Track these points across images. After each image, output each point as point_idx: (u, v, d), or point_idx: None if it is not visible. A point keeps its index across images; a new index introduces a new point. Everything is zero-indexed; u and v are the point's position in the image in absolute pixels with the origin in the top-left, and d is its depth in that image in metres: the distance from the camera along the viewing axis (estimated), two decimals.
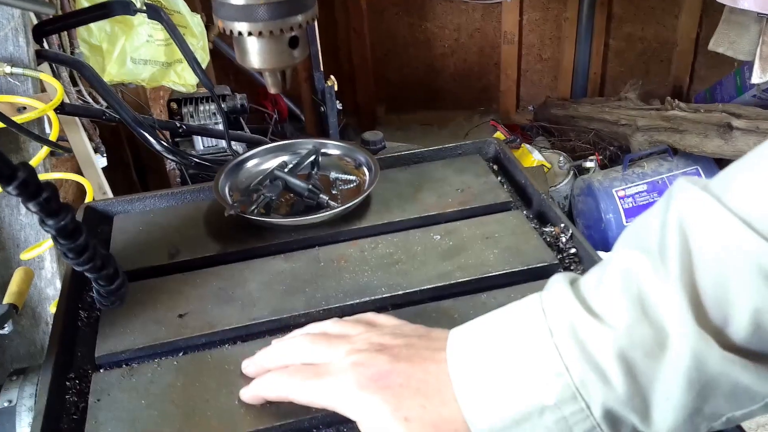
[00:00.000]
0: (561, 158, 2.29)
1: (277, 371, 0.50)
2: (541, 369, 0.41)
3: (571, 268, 0.65)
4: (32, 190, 0.38)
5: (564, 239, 0.67)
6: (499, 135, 2.40)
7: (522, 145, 2.26)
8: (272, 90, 0.66)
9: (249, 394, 0.51)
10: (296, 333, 0.54)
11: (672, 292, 0.38)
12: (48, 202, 0.39)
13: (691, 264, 0.37)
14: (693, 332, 0.37)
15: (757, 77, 1.91)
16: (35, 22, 1.14)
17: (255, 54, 0.64)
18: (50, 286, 1.07)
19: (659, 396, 0.38)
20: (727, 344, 0.37)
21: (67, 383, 0.55)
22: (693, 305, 0.37)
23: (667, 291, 0.38)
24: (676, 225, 0.38)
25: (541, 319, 0.42)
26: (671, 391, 0.38)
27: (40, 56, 1.14)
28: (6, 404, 0.53)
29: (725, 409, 0.39)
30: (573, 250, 0.66)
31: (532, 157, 2.23)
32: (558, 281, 0.44)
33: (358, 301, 0.61)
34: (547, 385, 0.40)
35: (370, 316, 0.55)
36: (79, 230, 0.43)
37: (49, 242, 1.01)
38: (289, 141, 0.81)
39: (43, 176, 1.09)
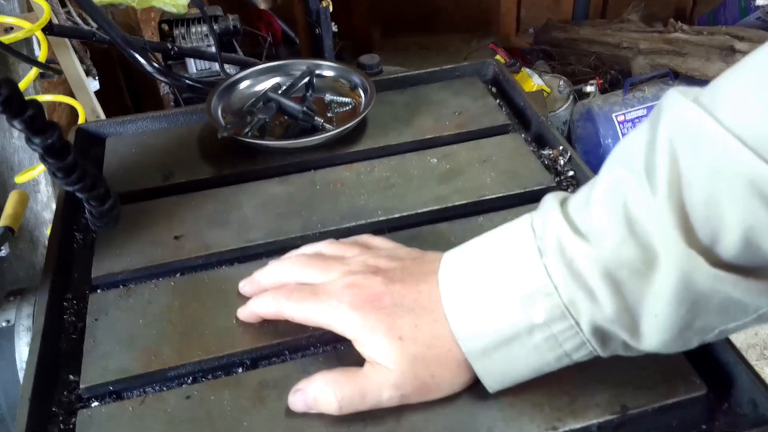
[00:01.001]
0: (561, 83, 2.26)
1: (273, 290, 0.51)
2: (530, 288, 0.41)
3: (569, 191, 0.64)
4: (16, 106, 0.37)
5: (562, 162, 0.67)
6: (499, 59, 2.35)
7: (522, 69, 2.22)
8: (262, 5, 0.64)
9: (246, 312, 0.51)
10: (292, 254, 0.54)
11: (659, 211, 0.37)
12: (33, 119, 0.38)
13: (679, 181, 0.37)
14: (681, 251, 0.36)
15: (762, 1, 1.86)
16: None
17: None
18: (46, 209, 1.07)
19: (648, 313, 0.39)
20: (717, 261, 0.36)
21: (65, 304, 0.55)
22: (681, 223, 0.36)
23: (654, 209, 0.37)
24: (665, 141, 0.37)
25: (530, 240, 0.42)
26: (660, 309, 0.38)
27: None
28: (4, 324, 0.54)
29: (717, 322, 0.39)
30: (571, 173, 0.66)
31: (531, 81, 2.19)
32: (548, 201, 0.43)
33: (354, 224, 0.60)
34: (535, 304, 0.41)
35: (366, 238, 0.55)
36: (68, 149, 0.42)
37: (42, 165, 1.00)
38: (283, 62, 0.79)
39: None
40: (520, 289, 0.41)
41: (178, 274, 0.57)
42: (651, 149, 0.38)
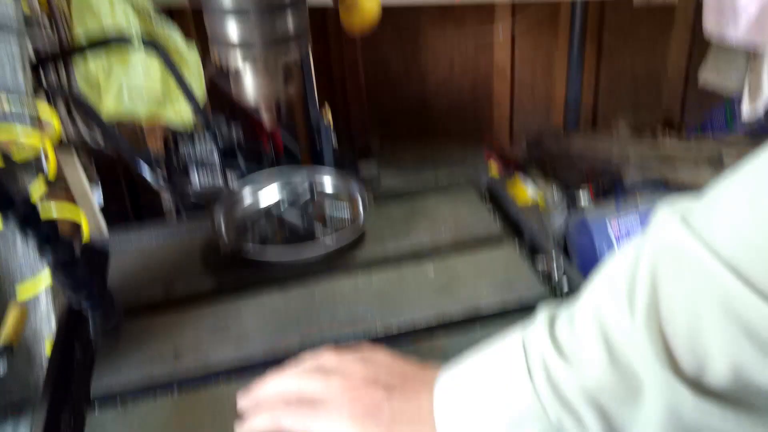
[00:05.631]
0: (554, 193, 2.30)
1: (272, 403, 0.50)
2: (521, 409, 0.41)
3: (564, 297, 0.65)
4: (33, 223, 0.38)
5: (556, 272, 0.68)
6: (493, 168, 2.42)
7: (516, 177, 2.27)
8: (269, 125, 0.67)
9: (245, 427, 0.51)
10: (292, 365, 0.54)
11: (639, 339, 0.36)
12: (48, 236, 0.39)
13: (658, 309, 0.35)
14: (665, 381, 0.35)
15: (746, 114, 1.92)
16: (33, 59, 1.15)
17: (251, 87, 0.65)
18: (45, 323, 1.06)
19: None
20: (705, 391, 0.35)
21: (62, 422, 0.55)
22: (663, 353, 0.35)
23: (634, 337, 0.36)
24: (647, 266, 0.36)
25: (521, 359, 0.42)
26: None
27: (38, 91, 1.14)
28: None
29: None
30: (565, 283, 0.67)
31: (525, 190, 2.24)
32: (539, 317, 0.43)
33: (352, 335, 0.61)
34: (526, 424, 0.41)
35: (366, 350, 0.55)
36: (78, 263, 0.43)
37: (45, 280, 1.00)
38: (284, 171, 0.82)
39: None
40: (510, 409, 0.41)
41: (176, 390, 0.57)
42: (633, 273, 0.37)
